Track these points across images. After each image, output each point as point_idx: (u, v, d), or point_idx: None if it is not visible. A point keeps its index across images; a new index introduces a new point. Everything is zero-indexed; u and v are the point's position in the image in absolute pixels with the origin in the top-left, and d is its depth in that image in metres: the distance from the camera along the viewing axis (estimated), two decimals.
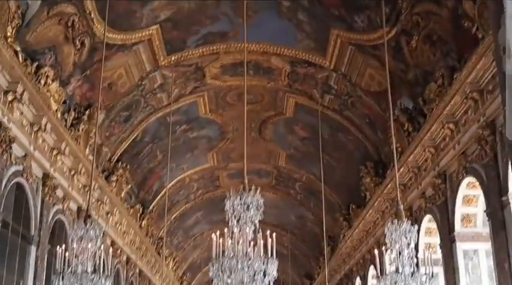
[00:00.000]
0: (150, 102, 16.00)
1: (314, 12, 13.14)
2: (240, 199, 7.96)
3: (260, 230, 7.98)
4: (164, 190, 20.95)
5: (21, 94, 10.34)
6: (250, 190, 8.19)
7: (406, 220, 7.58)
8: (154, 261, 22.48)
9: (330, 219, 21.63)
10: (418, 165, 13.30)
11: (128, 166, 16.90)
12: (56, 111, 11.67)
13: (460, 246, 11.44)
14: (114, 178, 16.04)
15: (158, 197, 21.14)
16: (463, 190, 11.38)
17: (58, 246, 7.52)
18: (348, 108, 16.09)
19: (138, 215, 19.54)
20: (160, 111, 16.55)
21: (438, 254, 12.50)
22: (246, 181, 8.35)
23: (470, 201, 11.45)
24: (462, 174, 11.15)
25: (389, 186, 15.12)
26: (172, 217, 24.19)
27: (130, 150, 16.97)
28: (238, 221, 8.01)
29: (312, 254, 29.44)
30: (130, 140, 16.54)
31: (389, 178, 14.83)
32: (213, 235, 8.02)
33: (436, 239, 12.88)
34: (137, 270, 20.70)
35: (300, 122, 18.55)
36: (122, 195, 17.02)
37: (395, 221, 7.53)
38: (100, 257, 7.42)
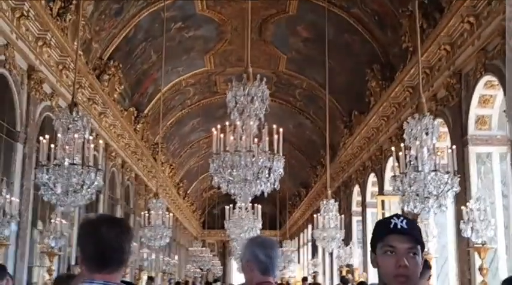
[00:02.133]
0: None
1: None
2: (244, 89, 7.20)
3: (266, 125, 7.27)
4: (159, 93, 20.16)
5: None
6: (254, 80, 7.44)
7: (428, 114, 6.83)
8: (151, 166, 22.05)
9: (330, 127, 21.01)
10: (431, 65, 12.42)
11: (121, 65, 15.96)
12: None
13: (473, 150, 10.81)
14: (105, 77, 15.14)
15: (153, 101, 20.37)
16: (479, 90, 10.58)
17: (41, 138, 6.80)
18: (357, 4, 14.97)
19: (133, 118, 18.83)
20: (154, 5, 15.39)
21: (445, 160, 11.90)
22: (251, 70, 7.56)
23: (486, 102, 10.68)
24: (480, 72, 10.31)
25: (397, 89, 14.32)
26: (168, 123, 23.55)
27: (122, 48, 15.96)
28: (241, 115, 7.29)
29: (309, 162, 29.17)
30: (122, 36, 15.49)
31: (398, 80, 14.00)
32: (214, 130, 7.33)
33: (445, 144, 12.25)
34: (133, 175, 20.29)
35: (303, 21, 17.44)
36: (115, 96, 16.20)
37: (416, 115, 6.78)
38: (89, 150, 6.72)
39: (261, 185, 6.92)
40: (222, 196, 40.71)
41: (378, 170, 17.46)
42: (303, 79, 21.47)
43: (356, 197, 20.59)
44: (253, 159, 6.85)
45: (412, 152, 6.72)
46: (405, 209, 6.87)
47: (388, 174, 16.67)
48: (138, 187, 21.31)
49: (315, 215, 13.22)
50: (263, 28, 18.22)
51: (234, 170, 6.86)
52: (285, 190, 32.76)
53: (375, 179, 18.04)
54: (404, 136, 6.95)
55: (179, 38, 17.98)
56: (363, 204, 19.20)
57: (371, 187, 18.73)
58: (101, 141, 6.84)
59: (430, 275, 4.42)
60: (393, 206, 16.41)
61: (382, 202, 16.69)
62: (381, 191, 16.88)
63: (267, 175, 6.98)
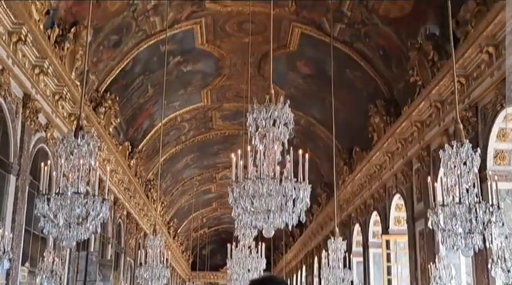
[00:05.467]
0: (142, 26, 14.40)
1: None
2: (266, 112, 6.66)
3: (291, 151, 6.68)
4: (154, 129, 19.63)
5: None
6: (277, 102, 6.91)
7: (466, 141, 6.33)
8: (143, 203, 21.27)
9: (329, 165, 20.48)
10: (443, 99, 12.01)
11: (117, 98, 15.42)
12: (38, 21, 10.08)
13: (492, 186, 10.26)
14: (102, 109, 14.57)
15: (148, 136, 19.78)
16: (498, 123, 10.16)
17: (42, 164, 6.16)
18: (360, 39, 14.67)
19: (127, 153, 18.17)
20: (153, 38, 14.96)
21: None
22: (273, 91, 7.03)
23: (505, 136, 10.25)
24: (500, 104, 9.90)
25: (403, 124, 13.88)
26: (162, 159, 22.88)
27: (119, 81, 15.45)
28: (262, 140, 6.71)
29: None
30: (120, 69, 15.00)
31: (406, 115, 13.57)
32: (233, 155, 6.72)
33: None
34: (125, 212, 19.50)
35: (303, 57, 17.11)
36: (110, 130, 15.59)
37: (454, 143, 6.27)
38: (95, 178, 6.09)
39: (285, 217, 6.29)
40: (212, 235, 39.66)
41: (381, 209, 16.88)
42: (300, 116, 21.02)
43: (356, 237, 19.91)
44: (277, 187, 6.25)
45: (451, 183, 6.17)
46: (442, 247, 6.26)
47: (394, 213, 16.14)
48: (130, 226, 20.47)
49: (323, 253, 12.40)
50: (262, 63, 17.89)
51: (256, 200, 6.24)
52: (279, 230, 31.91)
53: (378, 218, 17.45)
54: (441, 166, 6.43)
55: (177, 73, 17.55)
56: (365, 244, 18.52)
57: (373, 226, 18.12)
58: (108, 168, 6.20)
59: None
60: (399, 246, 15.82)
61: (387, 241, 16.08)
62: (385, 231, 16.28)
63: (291, 206, 6.37)
